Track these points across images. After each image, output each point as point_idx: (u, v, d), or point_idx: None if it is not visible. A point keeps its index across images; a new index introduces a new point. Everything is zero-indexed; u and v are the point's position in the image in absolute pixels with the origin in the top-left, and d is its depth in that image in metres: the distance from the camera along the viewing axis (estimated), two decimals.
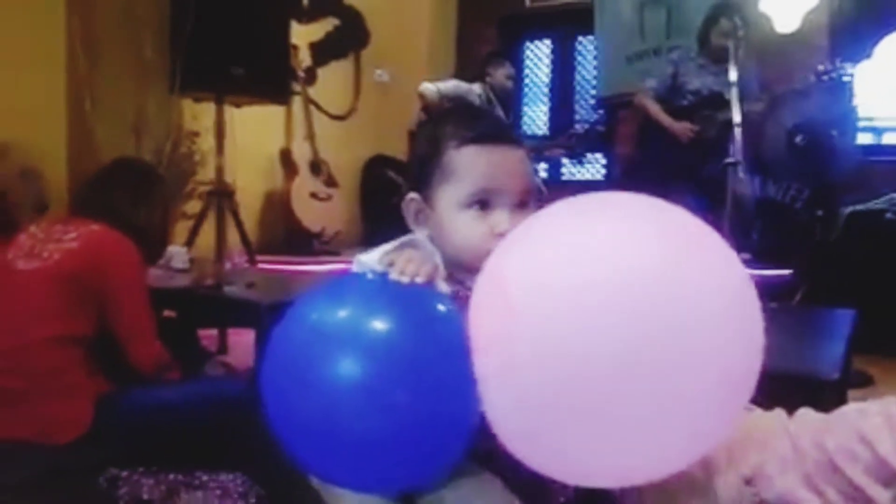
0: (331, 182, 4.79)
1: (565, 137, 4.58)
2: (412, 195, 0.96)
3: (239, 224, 3.23)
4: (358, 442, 0.75)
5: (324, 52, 4.96)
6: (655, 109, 3.60)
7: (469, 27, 5.79)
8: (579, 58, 5.70)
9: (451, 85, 4.13)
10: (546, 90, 5.87)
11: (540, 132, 5.76)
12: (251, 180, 4.30)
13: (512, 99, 4.54)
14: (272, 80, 3.25)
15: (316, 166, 4.71)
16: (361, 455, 0.76)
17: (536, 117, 5.90)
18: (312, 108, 4.74)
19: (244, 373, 2.25)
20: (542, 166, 5.33)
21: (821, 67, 3.51)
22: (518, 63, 5.51)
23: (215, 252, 3.15)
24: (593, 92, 5.48)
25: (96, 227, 1.71)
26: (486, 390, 0.72)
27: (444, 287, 0.85)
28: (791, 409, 0.87)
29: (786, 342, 1.54)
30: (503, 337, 0.68)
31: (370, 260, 0.85)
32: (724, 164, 3.08)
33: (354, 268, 0.88)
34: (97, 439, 1.59)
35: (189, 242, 2.99)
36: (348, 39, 5.14)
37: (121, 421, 1.62)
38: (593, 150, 5.26)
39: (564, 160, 5.41)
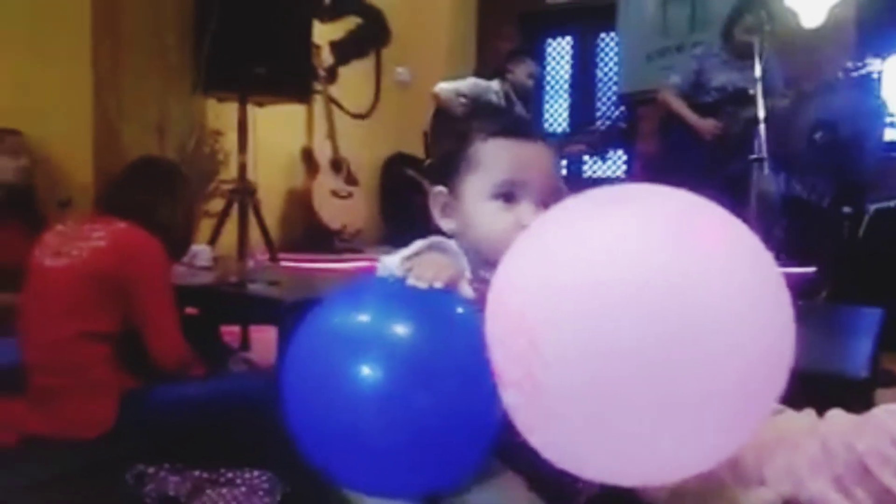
0: (351, 180, 4.80)
1: (586, 134, 4.55)
2: (439, 188, 0.97)
3: (261, 222, 3.25)
4: (380, 448, 0.75)
5: (345, 50, 4.97)
6: (679, 105, 3.56)
7: (489, 25, 5.78)
8: (601, 54, 5.67)
9: (469, 83, 4.11)
10: (567, 87, 5.85)
11: (561, 129, 5.74)
12: (273, 179, 4.32)
13: (531, 96, 4.51)
14: (294, 79, 3.27)
15: (337, 164, 4.73)
16: (383, 461, 0.76)
17: (557, 114, 5.88)
18: (333, 106, 4.75)
19: (266, 369, 2.27)
20: (563, 163, 5.30)
21: (849, 64, 3.44)
22: (539, 60, 5.47)
23: (238, 250, 3.18)
24: (614, 88, 5.44)
25: (123, 225, 1.73)
26: (515, 413, 0.71)
27: (467, 291, 0.85)
28: (818, 408, 0.86)
29: (813, 340, 1.51)
30: (531, 377, 0.66)
31: (392, 263, 0.86)
32: (748, 161, 3.06)
33: (379, 270, 0.88)
34: (122, 435, 1.61)
35: (212, 240, 3.01)
36: (370, 38, 5.15)
37: (145, 417, 1.64)
38: (615, 147, 5.23)
39: (585, 157, 5.38)
